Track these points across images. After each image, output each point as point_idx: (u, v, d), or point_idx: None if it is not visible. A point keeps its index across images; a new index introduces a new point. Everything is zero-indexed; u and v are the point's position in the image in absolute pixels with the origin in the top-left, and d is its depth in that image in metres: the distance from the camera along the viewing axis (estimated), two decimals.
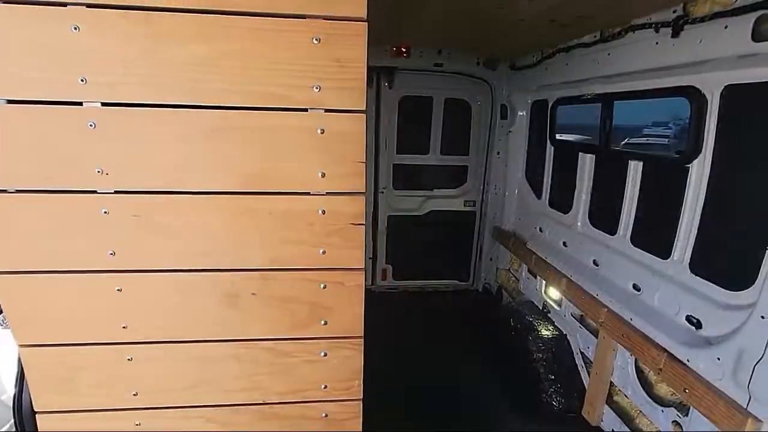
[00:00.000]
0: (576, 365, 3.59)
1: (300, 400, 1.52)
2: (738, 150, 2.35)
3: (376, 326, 4.60)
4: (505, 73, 4.84)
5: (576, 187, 3.80)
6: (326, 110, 1.29)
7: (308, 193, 1.35)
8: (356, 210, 1.36)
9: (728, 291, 2.35)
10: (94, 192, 1.26)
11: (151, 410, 1.47)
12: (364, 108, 1.28)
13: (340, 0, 1.20)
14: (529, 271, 4.53)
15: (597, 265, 3.48)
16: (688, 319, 2.56)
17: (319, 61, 1.23)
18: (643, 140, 18.66)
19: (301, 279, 1.41)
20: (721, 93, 2.35)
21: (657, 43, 2.55)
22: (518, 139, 4.93)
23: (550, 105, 4.19)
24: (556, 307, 3.99)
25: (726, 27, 2.10)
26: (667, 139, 18.64)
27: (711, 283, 2.47)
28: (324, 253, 1.39)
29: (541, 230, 4.44)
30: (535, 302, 4.38)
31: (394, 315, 5.06)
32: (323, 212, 1.35)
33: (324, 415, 1.55)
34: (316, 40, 1.22)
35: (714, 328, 2.40)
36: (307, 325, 1.45)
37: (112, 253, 1.30)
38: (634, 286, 3.03)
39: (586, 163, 3.67)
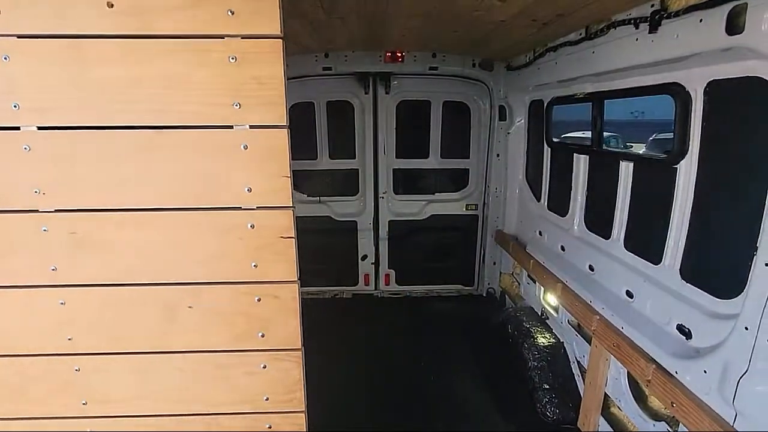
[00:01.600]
0: (573, 374, 3.47)
1: (243, 412, 1.54)
2: (723, 150, 2.21)
3: (376, 332, 4.62)
4: (502, 74, 4.75)
5: (572, 189, 3.68)
6: (251, 126, 1.31)
7: (239, 208, 1.37)
8: (285, 224, 1.37)
9: (717, 299, 2.22)
10: (36, 211, 1.33)
11: (100, 419, 1.52)
12: (284, 123, 1.29)
13: (255, 19, 1.22)
14: (528, 276, 4.41)
15: (592, 271, 3.35)
16: (679, 328, 2.43)
17: (237, 79, 1.26)
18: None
19: (235, 292, 1.43)
20: (705, 89, 2.22)
21: (637, 39, 2.44)
22: (517, 141, 4.82)
23: (545, 105, 4.08)
24: (553, 313, 3.87)
25: (701, 20, 1.99)
26: None
27: (701, 291, 2.33)
28: (256, 266, 1.40)
29: (540, 234, 4.32)
30: (535, 308, 4.27)
31: (395, 321, 5.04)
32: (252, 227, 1.37)
33: (268, 426, 1.56)
34: (232, 59, 1.24)
35: (703, 338, 2.26)
36: (244, 338, 1.47)
37: (53, 269, 1.37)
38: (627, 293, 2.90)
39: (581, 165, 3.54)
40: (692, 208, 2.38)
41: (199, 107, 1.27)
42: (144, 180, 1.33)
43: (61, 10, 1.21)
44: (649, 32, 2.28)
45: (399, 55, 4.74)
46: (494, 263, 5.41)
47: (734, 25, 1.82)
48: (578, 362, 3.43)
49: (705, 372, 2.12)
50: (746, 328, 1.89)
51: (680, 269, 2.49)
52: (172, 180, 1.33)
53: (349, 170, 5.40)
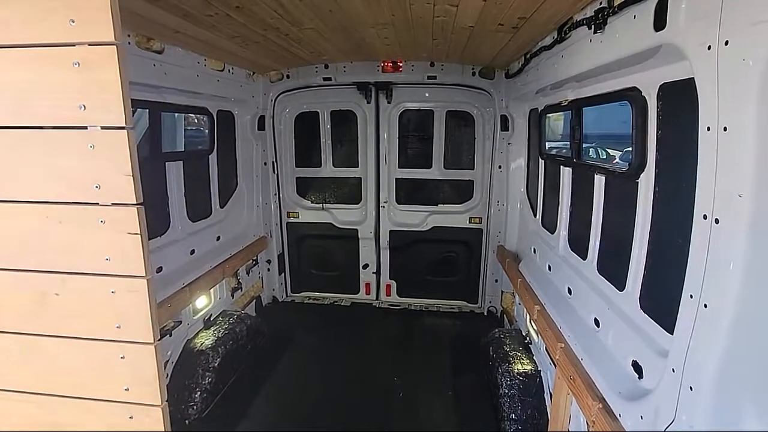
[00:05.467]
0: (545, 407, 3.15)
1: (107, 399, 1.61)
2: (672, 163, 1.92)
3: (362, 342, 4.56)
4: (503, 83, 4.54)
5: (559, 204, 3.40)
6: (102, 128, 1.39)
7: (95, 204, 1.45)
8: (131, 220, 1.43)
9: (668, 333, 1.92)
10: None
11: None
12: (124, 124, 1.36)
13: (92, 27, 1.31)
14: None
15: (570, 294, 3.05)
16: (634, 364, 2.13)
17: (80, 84, 1.35)
18: None
19: (93, 284, 1.51)
20: (658, 94, 1.96)
21: (590, 40, 2.22)
22: (518, 152, 4.56)
23: (539, 114, 3.83)
24: (535, 338, 3.56)
25: (635, 17, 1.77)
26: None
27: (655, 323, 2.04)
28: (109, 260, 1.48)
29: (534, 251, 4.03)
30: (523, 331, 3.96)
31: (385, 333, 4.94)
32: (103, 222, 1.45)
33: (130, 417, 1.61)
34: (75, 64, 1.34)
35: (653, 378, 1.96)
36: (103, 328, 1.54)
37: None
38: (595, 321, 2.61)
39: (565, 178, 3.27)
40: (650, 227, 2.10)
41: (50, 110, 1.38)
42: (9, 175, 1.46)
43: None
44: (595, 32, 2.06)
45: (399, 64, 4.73)
46: (496, 281, 5.12)
47: (659, 19, 1.59)
48: (551, 393, 3.11)
49: (642, 418, 1.83)
50: (673, 370, 1.61)
51: (639, 297, 2.19)
52: (31, 176, 1.45)
53: (352, 179, 5.45)
